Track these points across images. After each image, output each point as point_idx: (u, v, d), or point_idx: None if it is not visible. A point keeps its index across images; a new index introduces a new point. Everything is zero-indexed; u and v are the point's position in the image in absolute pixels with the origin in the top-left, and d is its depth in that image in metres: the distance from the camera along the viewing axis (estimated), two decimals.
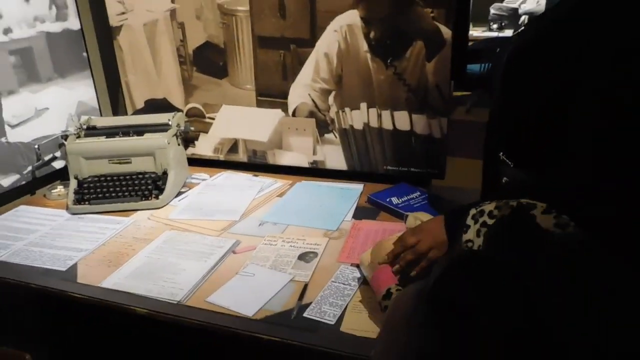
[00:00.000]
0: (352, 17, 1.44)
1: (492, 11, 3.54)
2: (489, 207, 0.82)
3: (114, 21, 1.71)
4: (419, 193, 1.46)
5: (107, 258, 1.25)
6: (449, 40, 1.38)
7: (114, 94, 1.87)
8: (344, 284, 1.10)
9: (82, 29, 1.72)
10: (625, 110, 0.69)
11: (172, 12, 1.64)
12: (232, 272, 1.16)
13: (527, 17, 5.27)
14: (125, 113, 1.83)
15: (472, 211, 0.83)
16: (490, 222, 0.80)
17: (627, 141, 0.68)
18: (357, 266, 1.15)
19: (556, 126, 0.81)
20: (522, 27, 0.96)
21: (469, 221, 0.83)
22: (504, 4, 3.60)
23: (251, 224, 1.39)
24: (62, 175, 1.66)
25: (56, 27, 1.64)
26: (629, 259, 0.63)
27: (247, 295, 1.07)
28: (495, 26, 3.55)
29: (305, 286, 1.09)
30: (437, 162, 1.51)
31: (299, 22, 1.50)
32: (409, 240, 1.02)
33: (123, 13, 1.69)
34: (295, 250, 1.23)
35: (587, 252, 0.66)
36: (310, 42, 1.51)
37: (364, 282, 1.09)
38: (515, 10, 5.14)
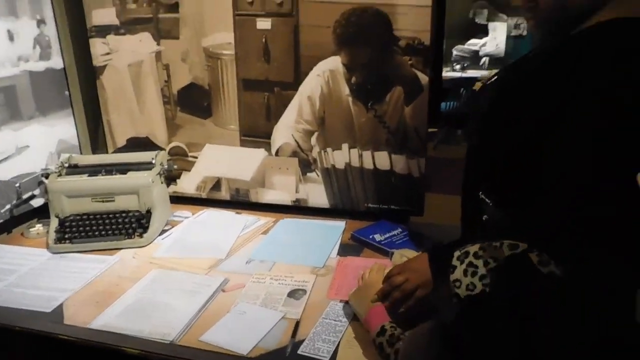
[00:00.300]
0: (334, 63, 1.52)
1: (454, 52, 3.76)
2: (473, 248, 0.88)
3: (97, 61, 1.73)
4: (400, 229, 1.52)
5: (93, 298, 1.23)
6: (426, 86, 1.47)
7: (94, 132, 1.88)
8: (335, 320, 1.13)
9: (64, 68, 1.73)
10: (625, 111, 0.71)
11: (158, 54, 1.68)
12: (223, 311, 1.17)
13: (487, 58, 5.57)
14: (106, 151, 1.83)
15: (457, 253, 0.89)
16: (475, 262, 0.86)
17: (627, 141, 0.71)
18: (347, 302, 1.18)
19: (532, 164, 0.89)
20: (495, 76, 1.05)
21: (455, 262, 0.89)
22: (465, 46, 3.84)
23: (238, 261, 1.41)
24: (40, 214, 1.64)
25: (39, 66, 1.65)
26: (629, 259, 0.71)
27: (241, 333, 1.08)
28: (458, 67, 3.77)
29: (297, 323, 1.12)
30: (416, 199, 1.58)
31: (283, 67, 1.57)
32: (396, 280, 1.07)
33: (108, 53, 1.72)
34: (284, 288, 1.26)
35: (569, 286, 0.73)
36: (294, 86, 1.58)
37: (354, 318, 1.13)
38: (477, 52, 5.44)
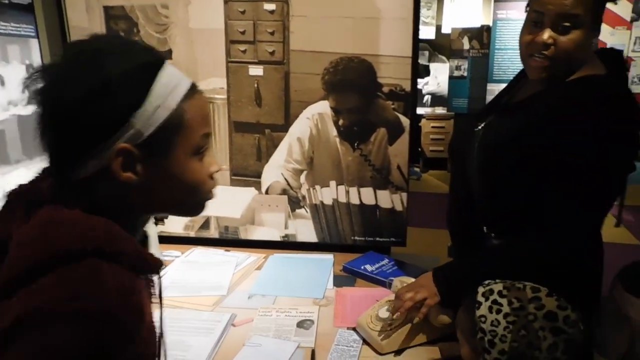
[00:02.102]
0: (323, 107, 1.65)
1: None
2: (497, 287, 0.99)
3: None
4: (387, 260, 1.63)
5: None
6: (407, 127, 1.63)
7: None
8: (347, 346, 1.21)
9: None
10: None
11: None
12: (238, 344, 1.21)
13: (430, 97, 5.97)
14: None
15: (481, 289, 1.00)
16: (500, 300, 0.97)
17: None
18: (354, 329, 1.27)
19: (534, 194, 1.06)
20: (484, 120, 1.20)
21: (480, 298, 0.99)
22: None
23: (240, 297, 1.46)
24: None
25: (27, 110, 1.65)
26: None
27: None
28: None
29: (313, 352, 1.19)
30: (399, 231, 1.71)
31: (274, 110, 1.67)
32: (406, 295, 1.16)
33: None
34: (292, 319, 1.32)
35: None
36: (284, 127, 1.68)
37: (364, 342, 1.21)
38: (420, 90, 5.83)
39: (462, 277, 1.13)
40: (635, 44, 4.71)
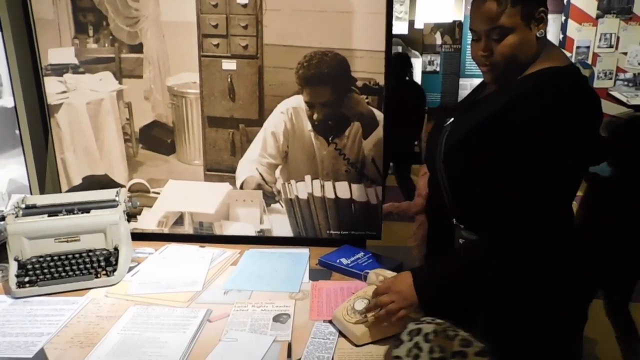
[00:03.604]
0: (297, 101, 1.65)
1: None
2: (427, 328, 0.95)
3: (52, 99, 1.71)
4: (363, 253, 1.64)
5: (76, 339, 1.21)
6: (382, 121, 1.64)
7: (42, 171, 1.82)
8: (323, 339, 1.21)
9: (15, 106, 1.69)
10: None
11: (119, 93, 1.70)
12: (214, 339, 1.21)
13: None
14: (60, 190, 1.79)
15: (411, 326, 0.97)
16: (422, 344, 0.90)
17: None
18: (330, 322, 1.27)
19: (497, 186, 1.10)
20: (451, 117, 1.26)
21: (404, 336, 0.95)
22: None
23: (215, 292, 1.45)
24: None
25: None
26: None
27: (239, 358, 1.13)
28: None
29: (290, 345, 1.19)
30: (375, 224, 1.72)
31: (248, 105, 1.66)
32: (383, 300, 1.17)
33: (64, 92, 1.71)
34: (268, 314, 1.32)
35: None
36: (259, 122, 1.67)
37: (340, 334, 1.22)
38: None
39: (444, 284, 1.15)
40: (600, 40, 4.83)
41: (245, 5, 1.59)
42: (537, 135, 1.06)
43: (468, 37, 4.64)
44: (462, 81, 4.70)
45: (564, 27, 4.84)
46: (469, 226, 1.22)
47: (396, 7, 5.70)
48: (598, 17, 4.75)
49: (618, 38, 4.75)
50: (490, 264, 1.12)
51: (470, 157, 1.15)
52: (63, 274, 1.46)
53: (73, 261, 1.49)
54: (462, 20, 4.64)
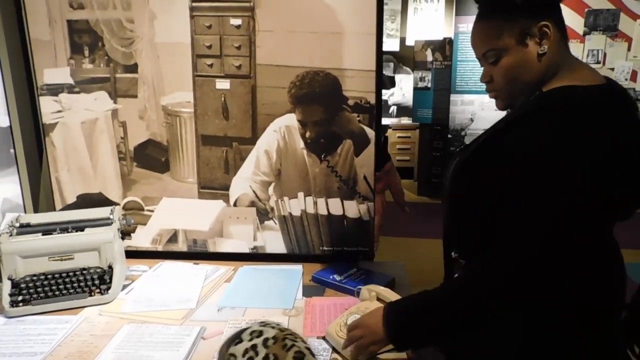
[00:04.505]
0: (290, 120, 1.67)
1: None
2: (269, 332, 0.83)
3: (47, 118, 1.73)
4: (355, 269, 1.66)
5: (69, 358, 1.22)
6: (373, 138, 1.67)
7: (37, 190, 1.84)
8: (317, 354, 1.22)
9: (10, 126, 1.71)
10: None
11: (114, 112, 1.72)
12: (208, 357, 1.21)
13: (395, 107, 6.09)
14: (54, 209, 1.80)
15: (255, 326, 0.86)
16: (259, 348, 0.80)
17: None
18: (324, 338, 1.29)
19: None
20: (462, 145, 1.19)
21: (245, 335, 0.84)
22: None
23: (209, 310, 1.45)
24: None
25: None
26: None
27: None
28: None
29: None
30: (367, 241, 1.74)
31: (241, 123, 1.69)
32: (355, 334, 1.16)
33: (59, 111, 1.73)
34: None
35: None
36: (252, 140, 1.70)
37: (334, 350, 1.23)
38: (386, 101, 5.94)
39: (414, 321, 1.09)
40: (588, 56, 4.93)
41: (238, 27, 1.63)
42: (525, 161, 0.96)
43: (458, 53, 4.72)
44: (453, 97, 4.76)
45: None
46: (470, 260, 1.13)
47: (387, 24, 5.79)
48: (585, 33, 4.85)
49: (605, 54, 4.85)
50: (464, 301, 1.02)
51: (471, 181, 1.08)
52: (57, 292, 1.47)
53: (67, 279, 1.50)
54: (453, 37, 4.72)
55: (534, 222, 0.95)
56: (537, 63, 1.04)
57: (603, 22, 4.80)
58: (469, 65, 4.75)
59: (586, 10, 4.78)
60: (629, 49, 4.83)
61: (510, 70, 1.05)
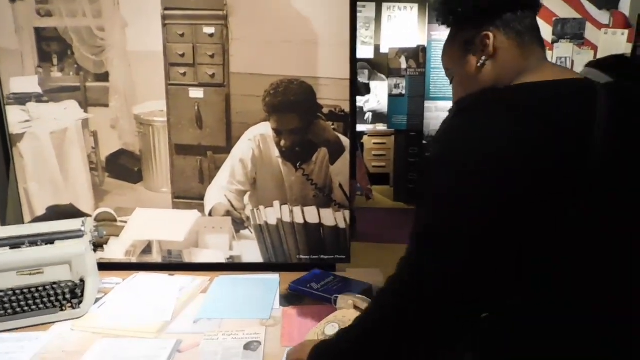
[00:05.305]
0: (264, 128, 1.67)
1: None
2: None
3: (15, 129, 1.68)
4: (332, 277, 1.66)
5: None
6: (348, 146, 1.68)
7: (5, 202, 1.78)
8: None
9: None
10: None
11: (85, 122, 1.69)
12: None
13: (371, 114, 6.13)
14: (21, 221, 1.75)
15: None
16: None
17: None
18: None
19: None
20: None
21: None
22: None
23: (185, 322, 1.43)
24: None
25: None
26: None
27: None
28: None
29: None
30: (343, 248, 1.74)
31: (216, 132, 1.68)
32: None
33: (27, 121, 1.68)
34: (239, 341, 1.31)
35: None
36: (226, 149, 1.69)
37: None
38: (361, 108, 5.98)
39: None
40: (556, 63, 5.07)
41: (212, 35, 1.62)
42: (424, 176, 0.85)
43: (432, 61, 4.79)
44: (427, 103, 4.81)
45: None
46: None
47: (362, 32, 5.84)
48: (553, 41, 4.98)
49: (572, 61, 4.99)
50: (374, 350, 0.86)
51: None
52: (26, 308, 1.42)
53: (37, 294, 1.45)
54: (426, 45, 4.78)
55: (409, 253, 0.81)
56: (478, 75, 0.94)
57: (570, 31, 4.94)
58: (442, 72, 4.81)
59: (554, 19, 4.92)
60: (594, 57, 4.99)
61: (459, 87, 0.99)
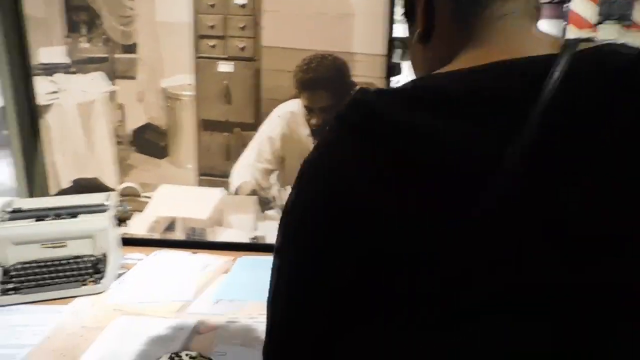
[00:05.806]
0: (295, 105, 1.60)
1: None
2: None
3: (42, 100, 1.66)
4: None
5: (58, 351, 1.16)
6: None
7: (31, 174, 1.77)
8: None
9: (4, 106, 1.64)
10: None
11: (112, 94, 1.65)
12: (204, 353, 1.15)
13: None
14: (47, 193, 1.73)
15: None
16: None
17: None
18: None
19: None
20: None
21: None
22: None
23: (206, 302, 1.39)
24: None
25: None
26: None
27: None
28: None
29: None
30: None
31: (244, 108, 1.62)
32: None
33: (54, 92, 1.65)
34: (260, 325, 1.27)
35: None
36: (255, 126, 1.63)
37: None
38: None
39: None
40: None
41: (243, 6, 1.55)
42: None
43: None
44: None
45: (564, 33, 4.81)
46: None
47: (397, 9, 5.67)
48: (598, 22, 4.73)
49: None
50: None
51: None
52: (49, 281, 1.41)
53: (59, 268, 1.44)
54: None
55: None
56: (414, 58, 0.71)
57: (617, 11, 4.67)
58: None
59: None
60: None
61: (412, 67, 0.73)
